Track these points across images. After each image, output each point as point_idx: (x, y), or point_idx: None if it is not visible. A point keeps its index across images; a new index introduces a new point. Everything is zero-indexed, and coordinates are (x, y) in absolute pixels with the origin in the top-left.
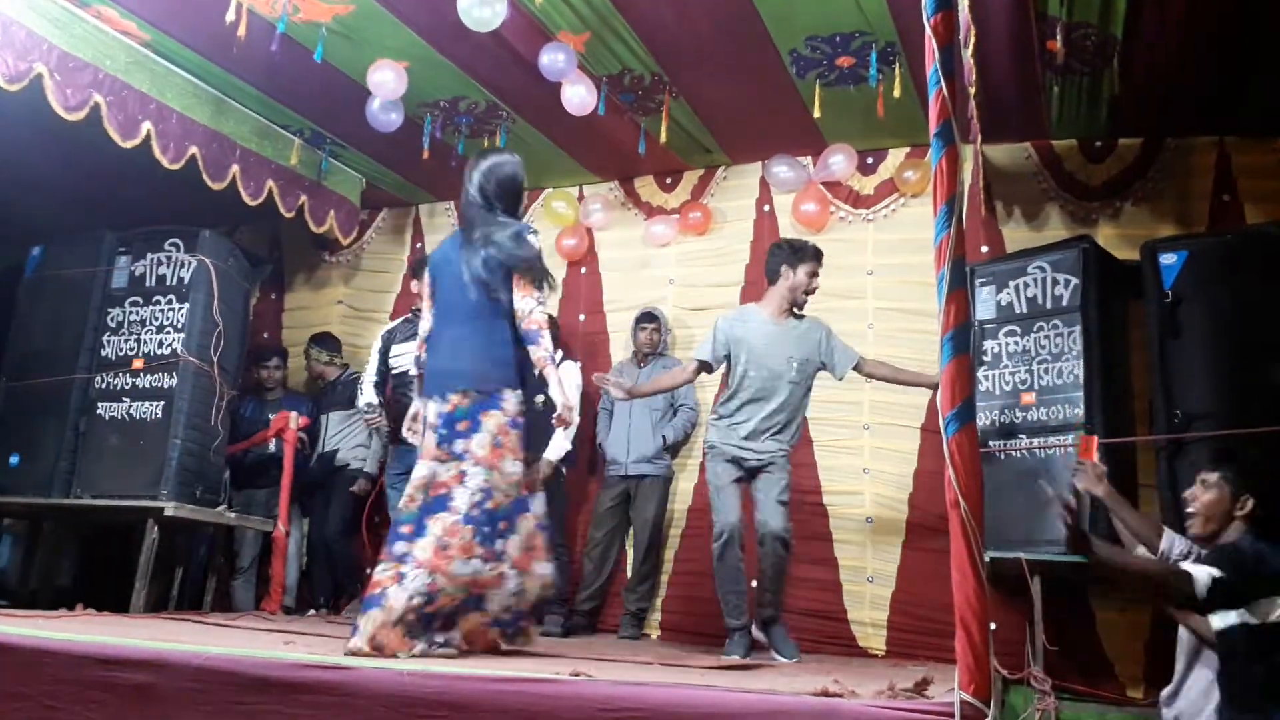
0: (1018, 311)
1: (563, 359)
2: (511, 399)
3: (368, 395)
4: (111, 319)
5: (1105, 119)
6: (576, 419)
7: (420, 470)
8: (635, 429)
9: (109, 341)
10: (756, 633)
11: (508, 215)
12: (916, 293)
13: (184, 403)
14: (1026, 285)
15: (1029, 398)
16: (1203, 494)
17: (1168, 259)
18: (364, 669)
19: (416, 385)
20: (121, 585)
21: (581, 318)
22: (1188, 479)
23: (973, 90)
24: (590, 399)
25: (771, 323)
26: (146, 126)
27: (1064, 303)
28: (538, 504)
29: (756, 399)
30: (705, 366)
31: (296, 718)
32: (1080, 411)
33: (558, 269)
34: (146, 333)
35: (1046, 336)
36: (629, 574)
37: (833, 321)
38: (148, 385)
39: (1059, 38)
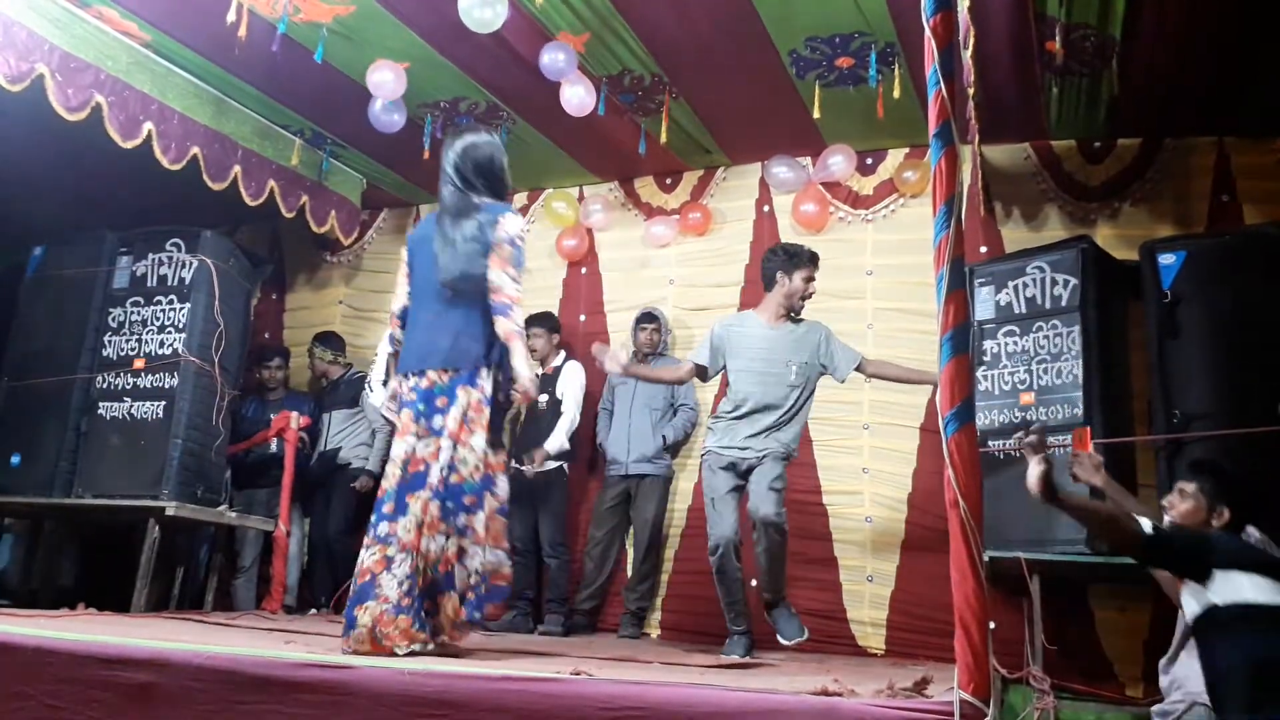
0: (1017, 312)
1: (566, 359)
2: (487, 377)
3: (379, 393)
4: (113, 319)
5: (1104, 120)
6: (535, 394)
7: (399, 447)
8: (635, 429)
9: (110, 341)
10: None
11: (492, 196)
12: (916, 293)
13: (185, 403)
14: (1025, 285)
15: (1028, 398)
16: (1180, 503)
17: (1166, 259)
18: (364, 668)
19: (391, 362)
20: (123, 585)
21: (582, 318)
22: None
23: (972, 91)
24: (591, 399)
25: (769, 328)
26: (148, 127)
27: (1063, 303)
28: (502, 486)
29: (756, 407)
30: (700, 371)
31: (296, 717)
32: (1079, 411)
33: (558, 269)
34: (148, 333)
35: (1045, 336)
36: (629, 573)
37: (832, 322)
38: (149, 385)
39: (1058, 39)
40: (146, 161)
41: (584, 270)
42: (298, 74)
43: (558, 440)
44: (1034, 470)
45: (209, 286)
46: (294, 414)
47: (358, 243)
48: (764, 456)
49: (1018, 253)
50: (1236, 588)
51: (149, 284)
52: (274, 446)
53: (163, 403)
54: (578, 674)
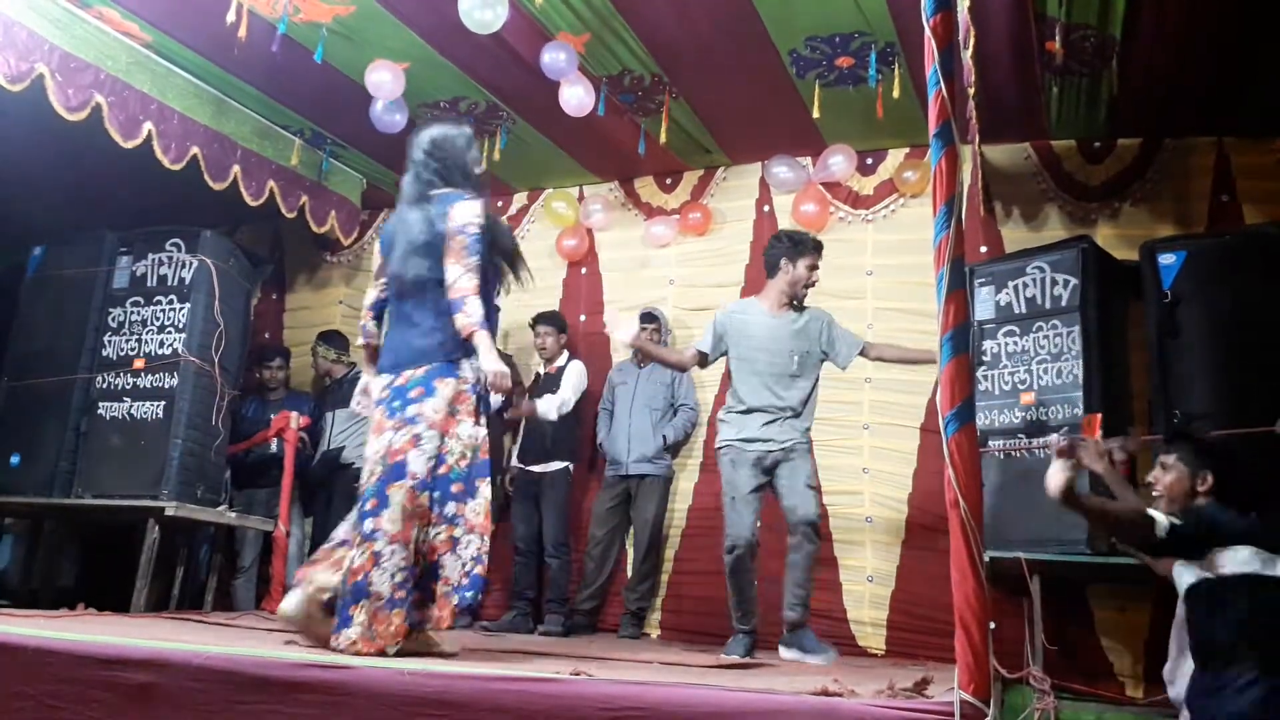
0: (1017, 311)
1: (569, 359)
2: (468, 367)
3: None
4: (113, 319)
5: (1104, 120)
6: (507, 385)
7: (375, 444)
8: (635, 429)
9: (110, 341)
10: (785, 653)
11: (453, 187)
12: (916, 293)
13: (185, 403)
14: (1025, 285)
15: (1028, 398)
16: (1163, 476)
17: (1166, 259)
18: (364, 669)
19: (365, 355)
20: (122, 585)
21: (582, 318)
22: None
23: (972, 91)
24: (591, 398)
25: (771, 316)
26: (148, 127)
27: (1063, 303)
28: (489, 470)
29: (759, 394)
30: (702, 358)
31: (296, 718)
32: (1080, 411)
33: (558, 269)
34: (148, 333)
35: (1046, 336)
36: (629, 573)
37: None
38: (149, 385)
39: (1058, 39)
40: (146, 161)
41: (584, 270)
42: (298, 74)
43: (546, 405)
44: (1059, 475)
45: (209, 286)
46: (294, 414)
47: (358, 243)
48: (789, 450)
49: (1018, 253)
50: (1236, 561)
51: (149, 284)
52: (274, 446)
53: (163, 403)
54: (578, 674)
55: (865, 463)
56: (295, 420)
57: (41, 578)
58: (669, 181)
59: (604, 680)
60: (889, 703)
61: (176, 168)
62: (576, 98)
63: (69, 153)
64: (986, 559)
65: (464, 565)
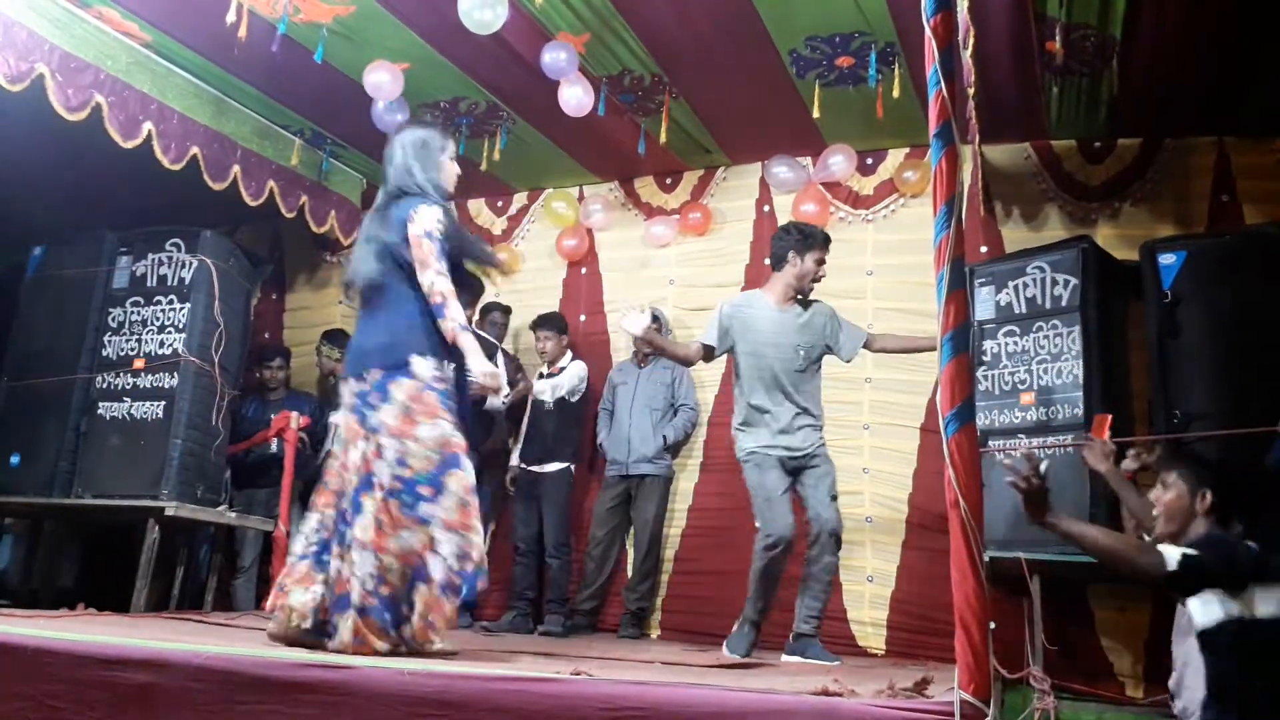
0: (1017, 312)
1: (572, 359)
2: (423, 364)
3: None
4: (113, 319)
5: (1104, 120)
6: (495, 385)
7: (352, 454)
8: (636, 429)
9: (110, 341)
10: (787, 657)
11: (421, 191)
12: (916, 293)
13: (185, 403)
14: (1026, 285)
15: (1029, 398)
16: (1163, 494)
17: (1167, 259)
18: (364, 668)
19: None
20: (122, 585)
21: (582, 318)
22: None
23: (972, 91)
24: (592, 398)
25: (777, 310)
26: (147, 127)
27: (1063, 303)
28: (467, 467)
29: (768, 390)
30: (707, 352)
31: (296, 718)
32: (1080, 411)
33: (558, 269)
34: (147, 333)
35: (1046, 336)
36: (629, 573)
37: None
38: (149, 385)
39: (1058, 39)
40: (146, 161)
41: (584, 270)
42: (298, 74)
43: (543, 385)
44: (1021, 500)
45: (209, 286)
46: (294, 414)
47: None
48: (811, 456)
49: (1018, 253)
50: (1272, 602)
51: (149, 284)
52: (274, 446)
53: (162, 403)
54: (578, 674)
55: (865, 463)
56: (295, 420)
57: (41, 578)
58: (669, 181)
59: (604, 680)
60: (889, 703)
61: (176, 168)
62: (576, 98)
63: (69, 153)
64: (986, 559)
65: (449, 563)
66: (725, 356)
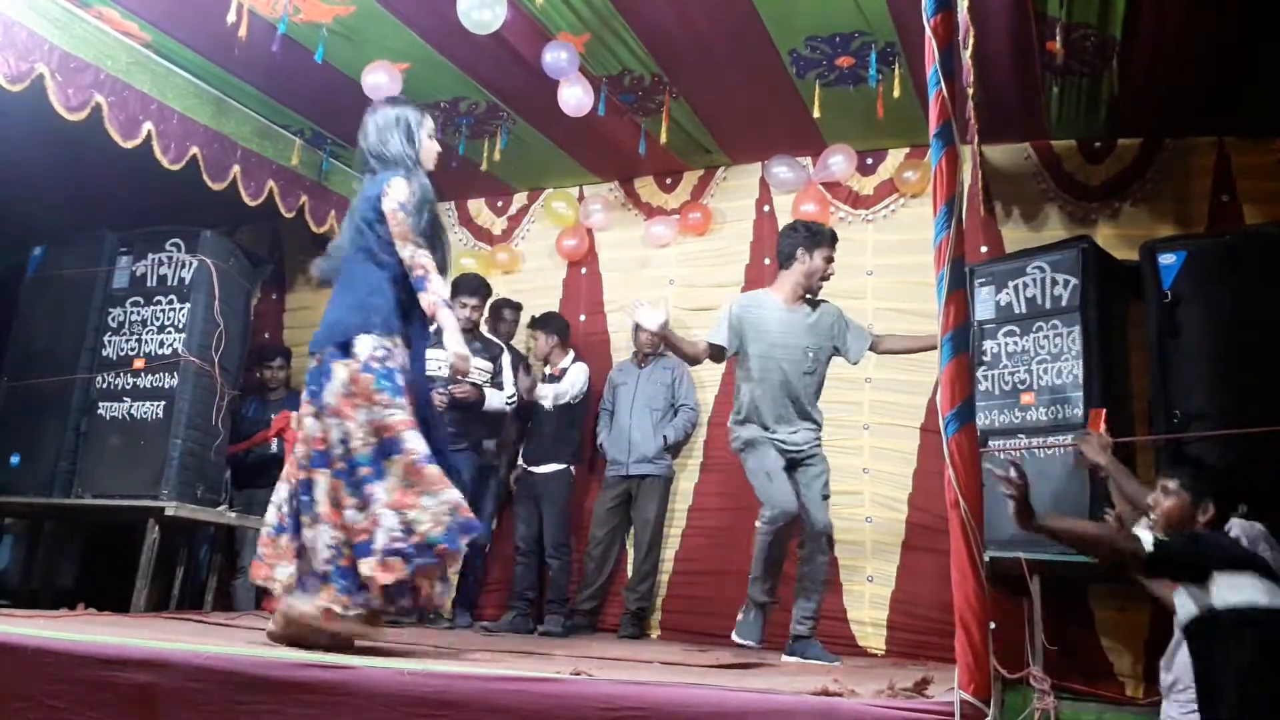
0: (1017, 311)
1: (574, 359)
2: (366, 343)
3: None
4: (113, 319)
5: (1104, 119)
6: (467, 367)
7: (307, 427)
8: (636, 429)
9: (110, 341)
10: (787, 657)
11: (396, 167)
12: (916, 293)
13: (185, 403)
14: (1026, 285)
15: (1029, 398)
16: (1164, 500)
17: (1167, 259)
18: (364, 668)
19: None
20: (122, 585)
21: (582, 318)
22: None
23: (972, 91)
24: (592, 398)
25: (786, 310)
26: (147, 127)
27: (1063, 303)
28: (409, 443)
29: (773, 391)
30: (717, 352)
31: (296, 718)
32: (1080, 411)
33: (558, 269)
34: (147, 333)
35: (1046, 336)
36: (629, 573)
37: None
38: (149, 385)
39: (1058, 39)
40: (146, 161)
41: (584, 270)
42: (298, 74)
43: (545, 391)
44: (1009, 504)
45: (209, 286)
46: (294, 414)
47: None
48: (807, 455)
49: (1018, 253)
50: (1236, 589)
51: (149, 284)
52: (274, 446)
53: (162, 403)
54: (578, 674)
55: (865, 463)
56: (295, 420)
57: (41, 578)
58: (669, 181)
59: (604, 680)
60: (889, 703)
61: (176, 168)
62: (575, 98)
63: (69, 153)
64: (986, 559)
65: (392, 535)
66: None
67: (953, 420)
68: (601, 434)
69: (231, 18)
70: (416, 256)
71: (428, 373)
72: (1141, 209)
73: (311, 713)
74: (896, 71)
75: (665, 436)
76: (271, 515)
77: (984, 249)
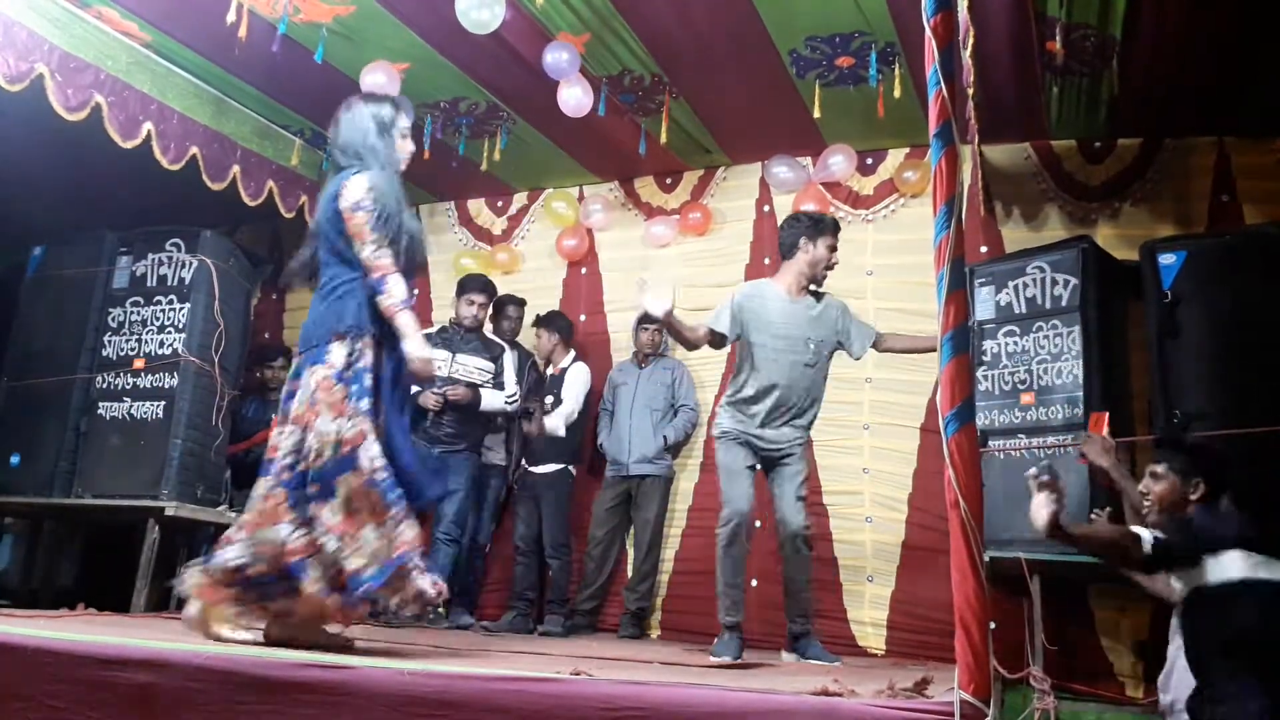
0: (1017, 311)
1: (574, 360)
2: (337, 351)
3: None
4: (113, 319)
5: (1104, 120)
6: (429, 371)
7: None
8: (636, 429)
9: (110, 341)
10: (787, 655)
11: (366, 162)
12: (916, 293)
13: (185, 403)
14: (1026, 285)
15: (1029, 398)
16: (1155, 486)
17: (1167, 259)
18: (364, 668)
19: None
20: (123, 585)
21: (582, 318)
22: None
23: (972, 91)
24: (592, 398)
25: (789, 301)
26: (147, 127)
27: (1063, 303)
28: (365, 459)
29: (770, 383)
30: (718, 339)
31: (296, 718)
32: (1080, 411)
33: (558, 269)
34: (147, 333)
35: (1046, 336)
36: (629, 573)
37: None
38: (149, 385)
39: (1058, 39)
40: (146, 161)
41: (584, 270)
42: (298, 74)
43: (554, 421)
44: (1043, 510)
45: (209, 286)
46: None
47: None
48: (786, 453)
49: (1018, 253)
50: (1222, 567)
51: (149, 284)
52: None
53: (162, 403)
54: (578, 674)
55: (865, 463)
56: None
57: (41, 578)
58: (669, 181)
59: (604, 680)
60: (889, 703)
61: (175, 168)
62: (575, 98)
63: (69, 153)
64: (986, 559)
65: (325, 569)
66: (725, 353)
67: (953, 420)
68: (601, 434)
69: (231, 18)
70: (375, 257)
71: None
72: (1141, 209)
73: (311, 713)
74: (896, 71)
75: (665, 437)
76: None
77: (984, 249)
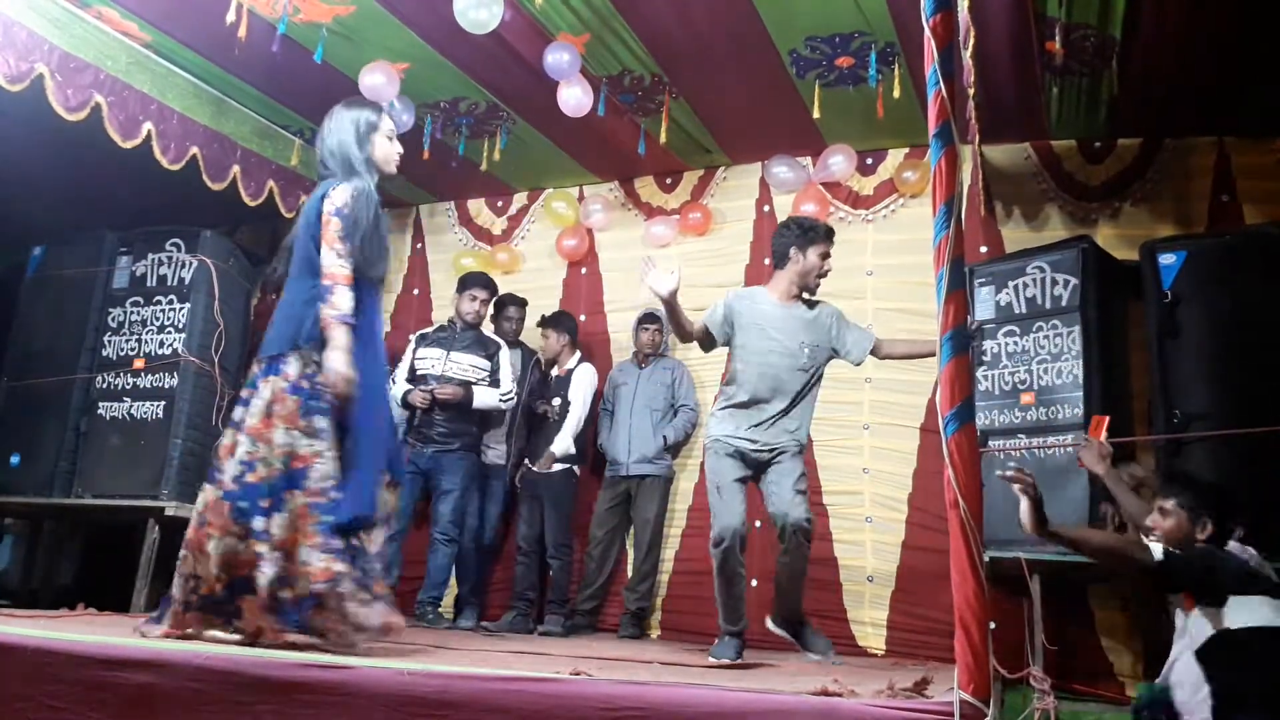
0: (1017, 311)
1: (580, 361)
2: (294, 362)
3: (399, 388)
4: (113, 319)
5: (1104, 120)
6: (344, 389)
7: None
8: (636, 429)
9: (110, 341)
10: (776, 628)
11: (344, 174)
12: (916, 293)
13: (185, 403)
14: (1026, 285)
15: (1029, 398)
16: (1163, 522)
17: (1167, 259)
18: (364, 669)
19: None
20: (123, 585)
21: (582, 318)
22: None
23: (972, 91)
24: (594, 399)
25: (780, 306)
26: (147, 127)
27: (1063, 303)
28: (316, 477)
29: (761, 389)
30: (709, 339)
31: (296, 718)
32: (1080, 411)
33: (558, 269)
34: (147, 333)
35: (1046, 336)
36: (629, 573)
37: None
38: (149, 385)
39: (1058, 39)
40: (146, 161)
41: (584, 270)
42: (298, 74)
43: (563, 443)
44: (1027, 512)
45: (209, 286)
46: None
47: None
48: (778, 452)
49: (1018, 253)
50: (1249, 609)
51: (149, 284)
52: None
53: (162, 403)
54: (578, 674)
55: (865, 463)
56: None
57: (41, 578)
58: (669, 181)
59: (604, 680)
60: (889, 703)
61: (175, 168)
62: (574, 98)
63: (69, 153)
64: (986, 559)
65: (271, 584)
66: (724, 353)
67: (952, 420)
68: (602, 435)
69: (231, 18)
70: (333, 266)
71: (420, 371)
72: (1141, 209)
73: (311, 713)
74: (896, 71)
75: (665, 437)
76: None
77: (984, 249)
